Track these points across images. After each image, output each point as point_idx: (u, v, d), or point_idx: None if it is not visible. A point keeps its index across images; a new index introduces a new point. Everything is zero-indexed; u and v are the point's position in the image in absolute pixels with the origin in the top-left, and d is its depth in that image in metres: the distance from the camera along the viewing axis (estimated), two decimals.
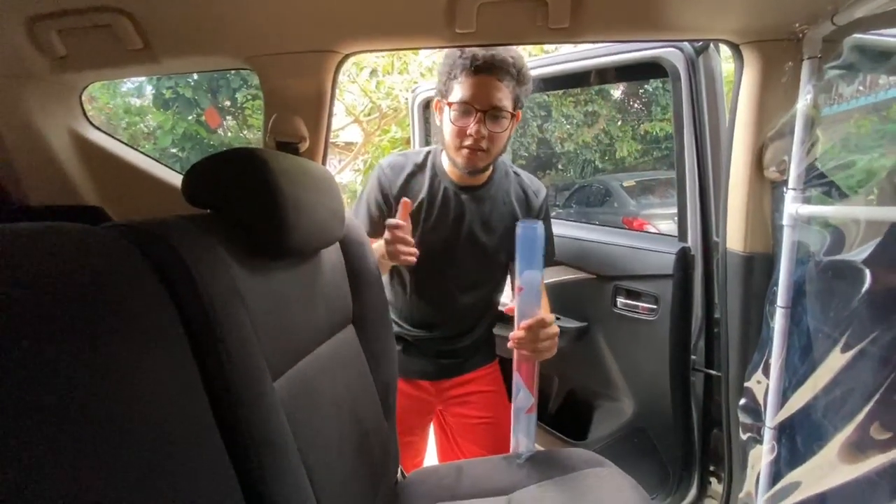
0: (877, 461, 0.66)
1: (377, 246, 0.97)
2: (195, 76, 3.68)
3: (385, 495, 0.83)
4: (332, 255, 0.81)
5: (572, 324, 1.26)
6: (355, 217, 1.06)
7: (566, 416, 1.38)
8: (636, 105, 6.64)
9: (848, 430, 0.72)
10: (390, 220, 0.91)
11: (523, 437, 0.93)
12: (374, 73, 4.77)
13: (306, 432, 0.60)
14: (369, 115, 4.98)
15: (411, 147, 1.75)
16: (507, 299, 1.29)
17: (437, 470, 0.98)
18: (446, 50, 0.94)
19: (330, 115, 0.98)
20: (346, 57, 0.92)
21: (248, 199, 0.56)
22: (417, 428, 1.25)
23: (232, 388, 0.44)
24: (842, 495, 0.72)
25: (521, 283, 0.84)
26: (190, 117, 3.74)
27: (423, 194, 1.04)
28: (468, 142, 0.92)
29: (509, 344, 0.86)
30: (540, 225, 0.83)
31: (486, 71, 0.89)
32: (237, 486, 0.43)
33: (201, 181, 0.57)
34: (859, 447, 0.69)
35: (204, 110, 3.77)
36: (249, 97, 4.16)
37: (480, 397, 1.22)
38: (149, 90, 3.61)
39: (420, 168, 1.06)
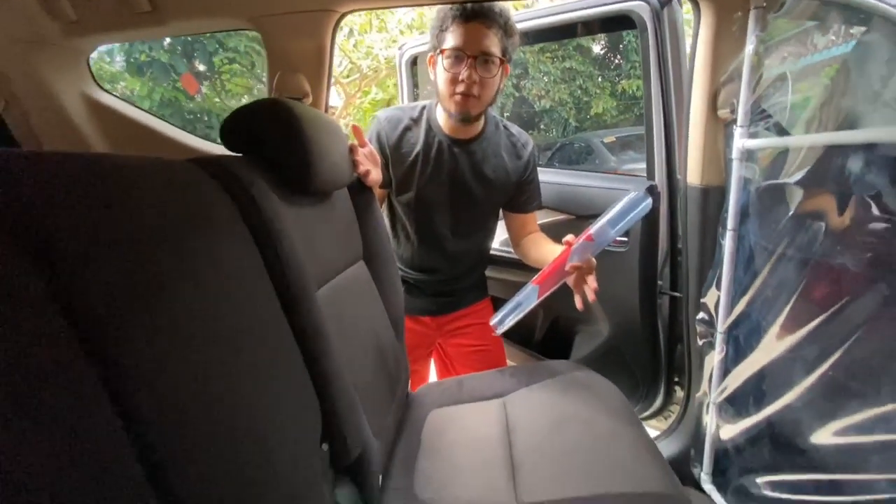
0: (796, 340, 0.83)
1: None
2: (168, 39, 3.58)
3: (400, 400, 0.98)
4: (342, 198, 0.92)
5: None
6: None
7: (550, 341, 1.55)
8: (615, 60, 6.63)
9: (777, 322, 0.89)
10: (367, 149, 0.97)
11: (509, 318, 0.99)
12: (351, 32, 4.68)
13: (340, 341, 0.73)
14: (349, 76, 4.92)
15: (401, 101, 1.82)
16: (496, 244, 1.43)
17: (441, 384, 1.14)
18: (436, 7, 1.02)
19: (330, 72, 1.06)
20: (344, 15, 0.99)
21: (279, 142, 0.66)
22: (420, 359, 1.40)
23: (290, 287, 0.57)
24: (771, 371, 0.90)
25: (595, 235, 0.84)
26: (166, 83, 3.66)
27: (418, 147, 1.12)
28: (460, 88, 0.99)
29: (563, 270, 0.87)
30: (648, 203, 0.84)
31: (475, 18, 0.96)
32: (301, 362, 0.56)
33: (238, 128, 0.67)
34: (787, 330, 0.85)
35: (180, 75, 3.69)
36: (226, 61, 4.07)
37: (475, 329, 1.38)
38: (119, 59, 3.50)
39: (416, 122, 1.13)
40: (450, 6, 0.97)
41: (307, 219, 0.75)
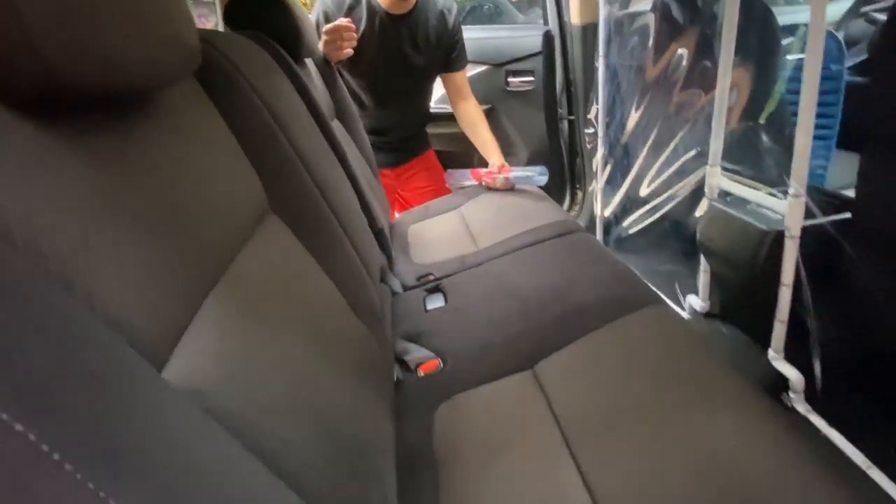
0: (638, 122, 1.28)
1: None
2: None
3: (387, 213, 1.36)
4: (312, 66, 1.17)
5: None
6: None
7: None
8: None
9: (630, 115, 1.32)
10: (344, 22, 1.19)
11: (458, 182, 1.49)
12: None
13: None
14: None
15: None
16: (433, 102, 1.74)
17: (411, 211, 1.54)
18: None
19: None
20: None
21: (280, 19, 0.89)
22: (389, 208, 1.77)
23: (320, 118, 0.87)
24: (627, 151, 1.37)
25: (511, 178, 1.36)
26: None
27: (363, 26, 1.31)
28: None
29: (487, 178, 1.39)
30: (543, 179, 1.31)
31: None
32: (340, 165, 0.89)
33: (242, 10, 0.88)
34: (634, 117, 1.30)
35: None
36: None
37: (425, 173, 1.75)
38: None
39: (357, 3, 1.31)
40: None
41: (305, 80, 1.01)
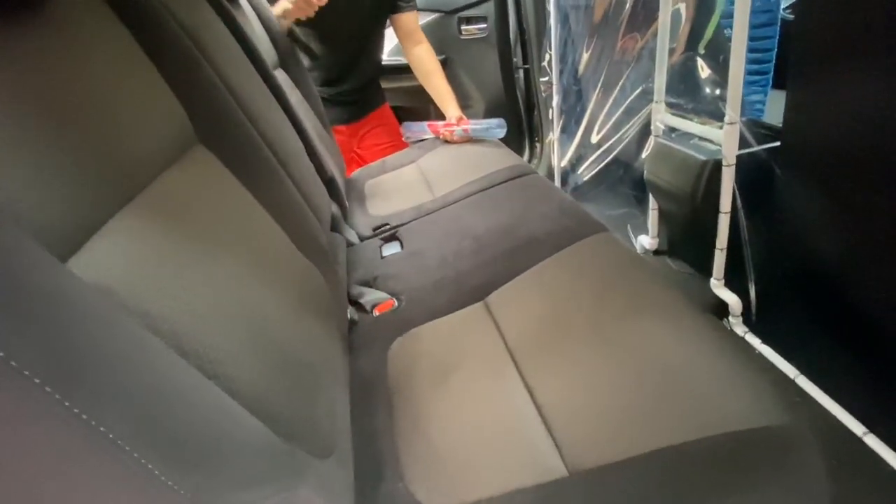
0: (587, 66, 1.28)
1: (277, 7, 1.23)
2: None
3: (340, 163, 1.33)
4: (249, 11, 1.10)
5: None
6: None
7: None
8: None
9: (581, 59, 1.32)
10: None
11: (415, 136, 1.48)
12: None
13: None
14: None
15: None
16: (385, 55, 1.68)
17: (368, 167, 1.51)
18: None
19: None
20: None
21: None
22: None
23: (260, 66, 0.82)
24: (581, 96, 1.37)
25: (470, 129, 1.36)
26: None
27: None
28: None
29: (445, 131, 1.39)
30: (501, 132, 1.31)
31: None
32: (283, 112, 0.86)
33: None
34: (584, 61, 1.30)
35: None
36: None
37: (381, 128, 1.71)
38: None
39: None
40: None
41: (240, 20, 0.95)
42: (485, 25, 1.58)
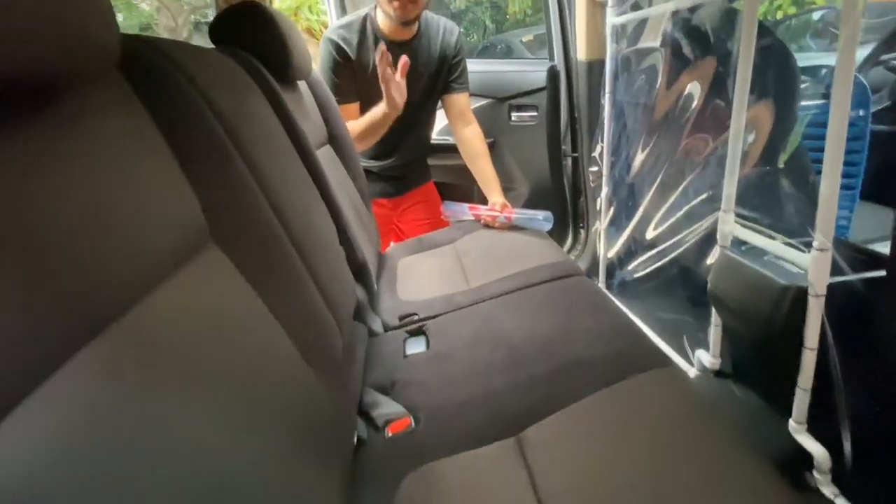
0: (644, 161, 1.21)
1: (372, 113, 1.28)
2: None
3: (377, 252, 1.29)
4: (305, 89, 1.12)
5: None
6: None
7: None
8: None
9: (636, 154, 1.26)
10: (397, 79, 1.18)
11: (456, 215, 1.43)
12: None
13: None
14: None
15: (328, 11, 1.90)
16: (434, 133, 1.70)
17: (405, 243, 1.46)
18: None
19: None
20: None
21: (266, 38, 0.84)
22: (383, 237, 1.70)
23: (301, 144, 0.80)
24: (633, 191, 1.30)
25: (513, 219, 1.32)
26: None
27: (372, 59, 1.28)
28: None
29: (487, 216, 1.36)
30: (547, 226, 1.29)
31: None
32: (318, 192, 0.82)
33: (228, 28, 0.84)
34: (641, 157, 1.23)
35: None
36: None
37: (424, 205, 1.69)
38: None
39: (364, 35, 1.29)
40: None
41: (288, 101, 0.96)
42: (535, 114, 1.57)
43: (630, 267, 1.39)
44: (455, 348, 0.83)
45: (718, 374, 1.10)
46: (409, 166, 1.59)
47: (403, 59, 1.16)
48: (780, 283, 0.81)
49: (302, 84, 1.12)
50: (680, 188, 1.06)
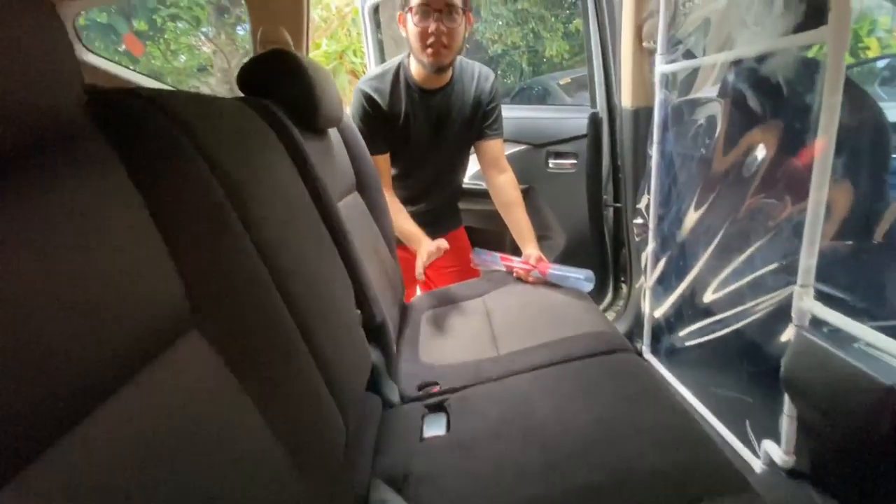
0: (699, 221, 1.08)
1: (411, 232, 1.30)
2: None
3: (400, 304, 1.20)
4: (335, 136, 1.08)
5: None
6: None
7: (516, 254, 1.80)
8: (567, 0, 6.62)
9: (689, 211, 1.14)
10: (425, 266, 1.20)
11: (486, 264, 1.35)
12: None
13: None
14: None
15: (366, 51, 1.92)
16: (467, 178, 1.64)
17: (431, 293, 1.37)
18: None
19: (308, 23, 1.17)
20: None
21: (293, 87, 0.81)
22: (409, 284, 1.62)
23: (321, 197, 0.74)
24: (685, 251, 1.17)
25: (548, 275, 1.22)
26: (106, 45, 3.48)
27: (404, 106, 1.26)
28: (431, 40, 1.12)
29: (520, 269, 1.28)
30: (587, 287, 1.17)
31: None
32: (335, 250, 0.75)
33: (254, 76, 0.81)
34: (694, 215, 1.11)
35: (121, 36, 3.50)
36: (168, 18, 3.87)
37: (453, 252, 1.59)
38: None
39: (396, 83, 1.26)
40: None
41: (315, 151, 0.91)
42: (574, 161, 1.49)
43: (682, 332, 1.24)
44: (479, 436, 0.72)
45: (792, 473, 0.92)
46: (440, 212, 1.53)
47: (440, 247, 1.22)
48: (879, 381, 0.66)
49: (332, 130, 1.08)
50: (745, 253, 0.93)
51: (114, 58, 3.79)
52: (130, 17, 3.69)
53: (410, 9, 1.12)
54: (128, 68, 1.29)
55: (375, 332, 0.85)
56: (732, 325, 1.00)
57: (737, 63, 0.87)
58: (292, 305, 0.51)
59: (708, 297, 1.08)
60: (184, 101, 0.48)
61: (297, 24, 1.15)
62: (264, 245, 0.49)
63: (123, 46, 3.64)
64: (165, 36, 4.09)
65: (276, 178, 0.61)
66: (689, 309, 1.21)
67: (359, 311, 0.79)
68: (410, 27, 1.15)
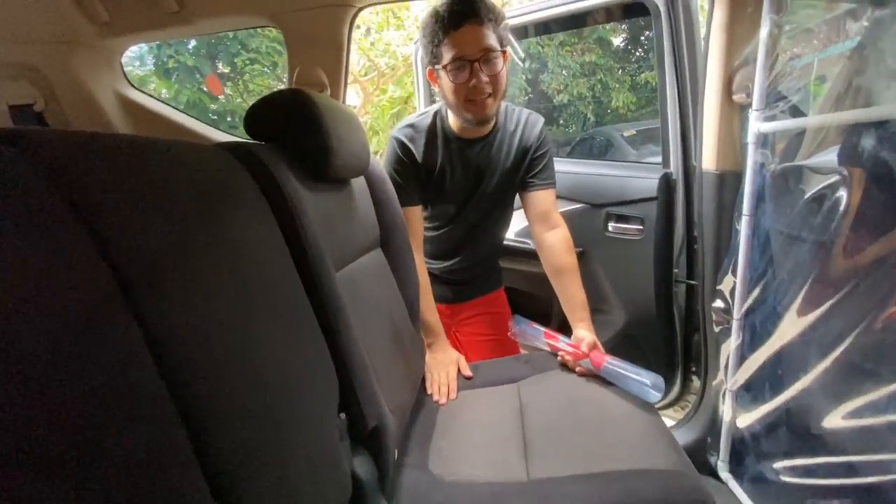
0: (811, 323, 0.82)
1: (436, 352, 1.15)
2: (193, 42, 3.71)
3: (416, 382, 1.01)
4: (360, 186, 0.96)
5: None
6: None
7: (564, 329, 1.56)
8: (635, 53, 6.51)
9: (793, 307, 0.88)
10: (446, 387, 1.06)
11: (527, 336, 1.14)
12: (369, 31, 4.74)
13: (357, 321, 0.75)
14: (366, 75, 4.98)
15: (417, 101, 1.85)
16: (511, 235, 1.46)
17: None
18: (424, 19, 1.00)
19: (347, 65, 1.09)
20: (359, 10, 1.02)
21: (299, 129, 0.69)
22: None
23: (311, 264, 0.60)
24: (787, 357, 0.89)
25: (602, 369, 0.97)
26: (191, 85, 3.79)
27: (441, 157, 1.13)
28: (472, 94, 0.98)
29: (567, 354, 1.04)
30: (653, 395, 0.89)
31: (464, 21, 0.94)
32: (321, 334, 0.59)
33: (260, 117, 0.70)
34: (802, 314, 0.85)
35: (205, 77, 3.81)
36: (248, 62, 4.19)
37: (489, 317, 1.40)
38: (150, 61, 3.66)
39: (432, 133, 1.12)
40: (433, 18, 0.96)
41: (327, 204, 0.78)
42: (641, 227, 1.26)
43: (780, 462, 0.95)
44: None
45: None
46: (476, 270, 1.34)
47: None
48: None
49: (358, 179, 0.96)
50: (888, 384, 0.66)
51: (196, 96, 4.15)
52: (215, 60, 4.02)
53: (445, 66, 0.98)
54: (194, 107, 1.27)
55: (367, 440, 0.67)
56: (869, 477, 0.71)
57: (882, 125, 0.64)
58: (223, 439, 0.35)
59: (829, 424, 0.80)
60: (92, 150, 0.35)
61: (336, 65, 1.08)
62: (187, 339, 0.34)
63: (206, 87, 3.95)
64: (245, 77, 4.41)
65: (234, 242, 0.47)
66: (793, 433, 0.92)
67: (343, 417, 0.61)
68: (445, 84, 1.01)
